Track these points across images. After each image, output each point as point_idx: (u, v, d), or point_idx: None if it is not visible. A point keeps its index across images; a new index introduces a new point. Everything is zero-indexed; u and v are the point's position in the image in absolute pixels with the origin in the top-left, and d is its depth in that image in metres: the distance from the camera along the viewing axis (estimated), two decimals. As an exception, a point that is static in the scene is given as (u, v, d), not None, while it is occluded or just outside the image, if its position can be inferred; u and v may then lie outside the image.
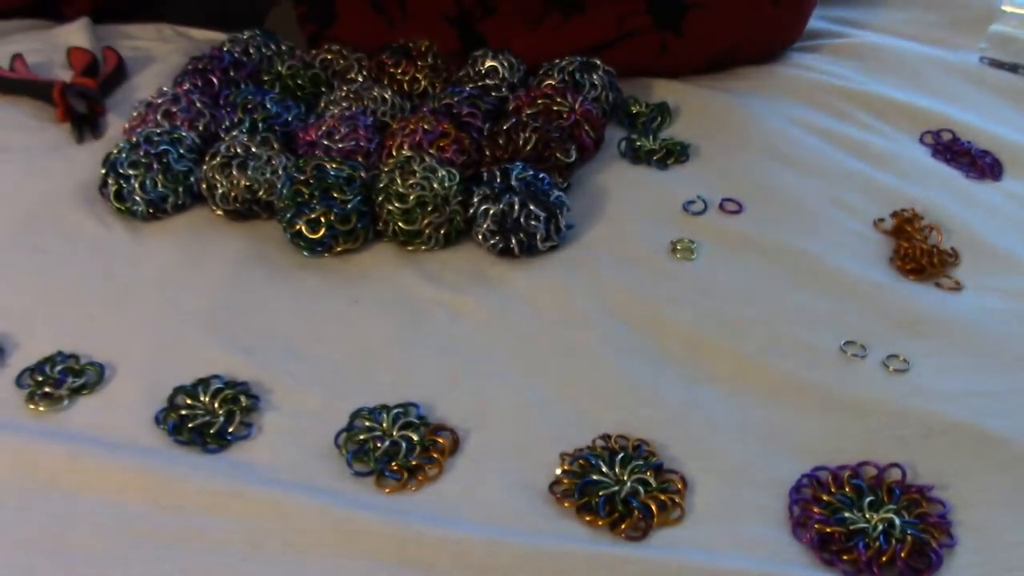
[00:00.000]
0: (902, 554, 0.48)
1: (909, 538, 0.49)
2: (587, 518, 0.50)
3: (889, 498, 0.51)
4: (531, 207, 0.63)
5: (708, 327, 0.60)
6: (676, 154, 0.73)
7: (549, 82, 0.75)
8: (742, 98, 0.78)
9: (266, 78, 0.77)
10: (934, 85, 0.81)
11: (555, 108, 0.72)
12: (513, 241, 0.63)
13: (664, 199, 0.69)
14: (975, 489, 0.52)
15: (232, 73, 0.76)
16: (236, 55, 0.78)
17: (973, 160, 0.73)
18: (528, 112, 0.71)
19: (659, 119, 0.77)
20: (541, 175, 0.65)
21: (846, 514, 0.50)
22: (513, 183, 0.64)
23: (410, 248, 0.65)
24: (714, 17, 0.79)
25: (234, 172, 0.66)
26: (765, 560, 0.49)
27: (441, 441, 0.53)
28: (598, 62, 0.78)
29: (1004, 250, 0.66)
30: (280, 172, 0.66)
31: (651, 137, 0.74)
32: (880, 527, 0.50)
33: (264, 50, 0.80)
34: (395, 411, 0.54)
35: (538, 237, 0.64)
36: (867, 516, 0.50)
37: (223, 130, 0.70)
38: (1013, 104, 0.78)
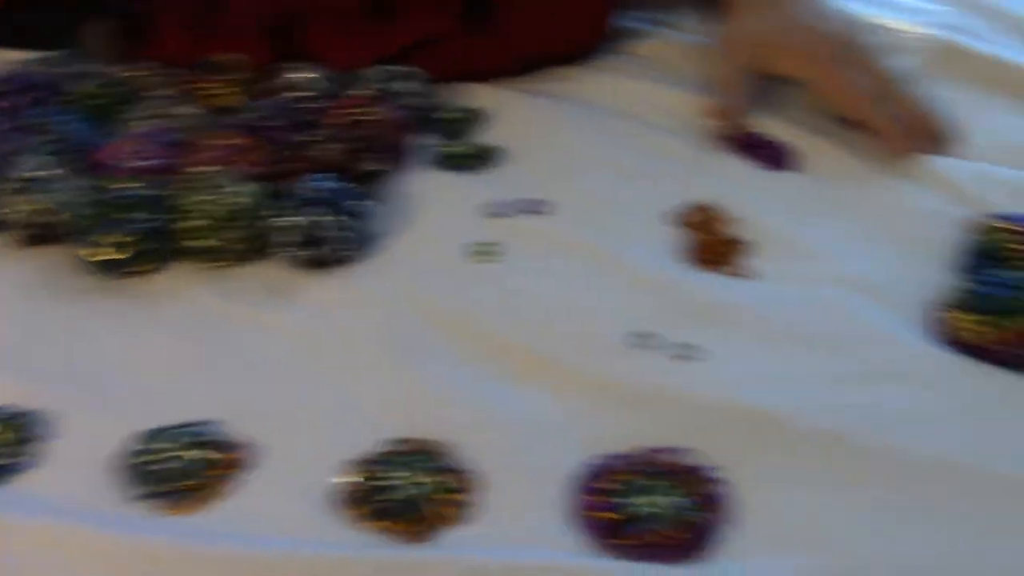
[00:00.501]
0: (676, 535, 0.51)
1: (685, 519, 0.52)
2: (376, 524, 0.51)
3: (672, 482, 0.54)
4: (336, 217, 0.64)
5: (508, 327, 0.62)
6: (486, 158, 0.75)
7: (358, 92, 0.76)
8: (550, 101, 0.81)
9: (69, 98, 0.76)
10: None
11: (363, 117, 0.73)
12: (318, 253, 0.64)
13: (472, 204, 0.71)
14: (758, 469, 0.55)
15: (31, 94, 0.74)
16: (36, 75, 0.77)
17: (770, 152, 0.76)
18: (335, 122, 0.72)
19: (471, 124, 0.79)
20: (346, 185, 0.66)
21: (628, 500, 0.53)
22: (317, 194, 0.65)
23: (211, 266, 0.65)
24: (522, 16, 0.81)
25: (27, 196, 0.65)
26: (548, 552, 0.51)
27: (234, 458, 0.54)
28: (409, 69, 0.79)
29: (790, 235, 0.69)
30: (76, 194, 0.65)
31: (460, 142, 0.76)
32: (660, 510, 0.52)
33: (69, 69, 0.79)
34: (187, 430, 0.55)
35: (343, 248, 0.65)
36: (649, 501, 0.53)
37: (17, 154, 0.69)
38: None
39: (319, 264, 0.64)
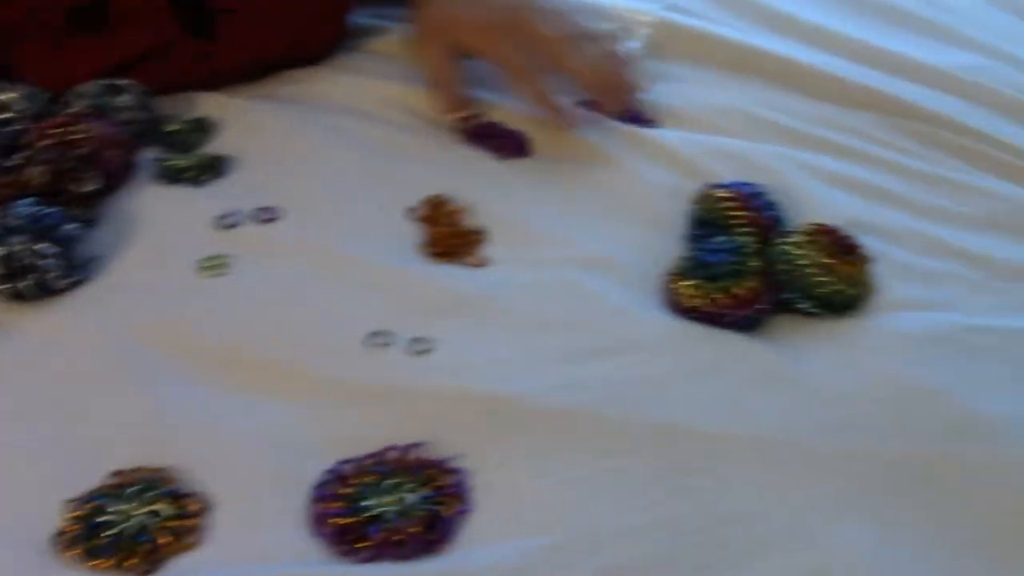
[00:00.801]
0: (412, 530, 0.51)
1: (421, 513, 0.52)
2: (98, 563, 0.49)
3: (408, 478, 0.54)
4: (38, 246, 0.61)
5: (239, 340, 0.60)
6: (212, 169, 0.73)
7: (68, 110, 0.72)
8: (283, 106, 0.79)
9: None
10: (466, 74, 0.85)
11: (72, 137, 0.69)
12: (23, 284, 0.61)
13: (198, 217, 0.69)
14: (493, 452, 0.56)
15: None
16: None
17: (502, 140, 0.77)
18: (41, 144, 0.68)
19: (197, 134, 0.76)
20: (51, 209, 0.63)
21: (364, 502, 0.52)
22: (17, 222, 0.61)
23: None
24: (245, 20, 0.79)
25: None
26: (286, 564, 0.50)
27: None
28: (124, 82, 0.76)
29: (525, 221, 0.71)
30: None
31: (186, 154, 0.73)
32: (396, 508, 0.52)
33: None
34: None
35: (52, 276, 0.61)
36: (388, 500, 0.53)
37: None
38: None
39: (23, 297, 0.61)
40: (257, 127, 0.77)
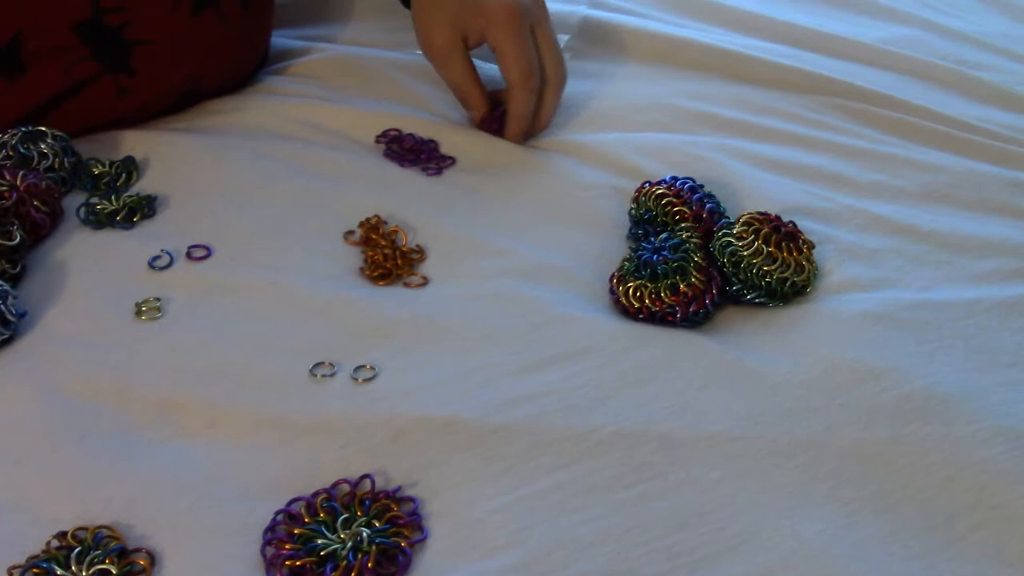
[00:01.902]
0: (368, 564, 0.50)
1: (375, 547, 0.50)
2: (44, 630, 0.47)
3: (361, 511, 0.52)
4: (-36, 305, 0.59)
5: (177, 383, 0.59)
6: (141, 210, 0.71)
7: (-14, 162, 0.71)
8: (210, 137, 0.78)
9: None
10: (404, 92, 0.84)
11: (-8, 190, 0.67)
12: (-50, 346, 0.59)
13: (129, 260, 0.67)
14: (442, 476, 0.54)
15: None
16: None
17: (427, 155, 0.76)
18: (-40, 200, 0.66)
19: (125, 175, 0.75)
20: (-27, 268, 0.61)
21: (318, 541, 0.51)
22: (-62, 284, 0.59)
23: None
24: (162, 50, 0.78)
25: None
26: (239, 613, 0.48)
27: None
28: (44, 129, 0.74)
29: (462, 234, 0.70)
30: None
31: (113, 197, 0.72)
32: (350, 544, 0.51)
33: None
34: None
35: (-23, 336, 0.59)
36: (340, 537, 0.51)
37: None
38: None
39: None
40: (184, 162, 0.76)
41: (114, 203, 0.71)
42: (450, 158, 0.76)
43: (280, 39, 0.91)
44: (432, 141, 0.78)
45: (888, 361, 0.60)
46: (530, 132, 0.79)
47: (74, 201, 0.72)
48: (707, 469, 0.55)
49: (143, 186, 0.74)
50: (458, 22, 0.77)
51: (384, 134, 0.78)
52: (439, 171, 0.75)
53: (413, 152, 0.77)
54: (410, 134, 0.79)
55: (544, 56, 0.78)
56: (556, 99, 0.79)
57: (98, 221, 0.70)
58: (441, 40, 0.78)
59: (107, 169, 0.75)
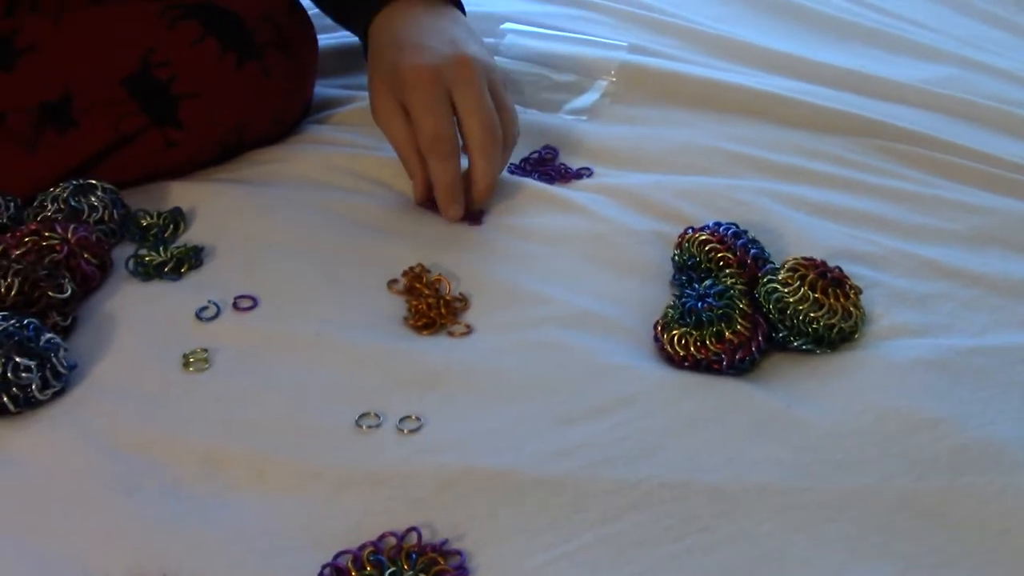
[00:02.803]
0: (415, 621, 0.50)
1: (423, 601, 0.50)
2: None
3: (408, 565, 0.52)
4: (17, 359, 0.60)
5: (224, 436, 0.59)
6: (189, 261, 0.72)
7: (36, 216, 0.72)
8: (254, 187, 0.79)
9: None
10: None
11: (45, 244, 0.69)
12: (3, 399, 0.60)
13: (177, 312, 0.68)
14: (489, 529, 0.54)
15: None
16: None
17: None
18: (14, 254, 0.68)
19: (172, 227, 0.76)
20: (26, 320, 0.62)
21: (367, 595, 0.51)
22: (-14, 338, 0.60)
23: None
24: (208, 103, 0.79)
25: None
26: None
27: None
28: (95, 182, 0.75)
29: (505, 282, 0.70)
30: None
31: (161, 248, 0.73)
32: (397, 598, 0.51)
33: None
34: None
35: (33, 388, 0.60)
36: (389, 590, 0.51)
37: None
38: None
39: (9, 410, 0.59)
40: (230, 212, 0.77)
41: (162, 254, 0.72)
42: (481, 211, 0.77)
43: (323, 88, 0.92)
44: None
45: (942, 409, 0.59)
46: (471, 204, 0.75)
47: (123, 253, 0.73)
48: (756, 522, 0.55)
49: (190, 237, 0.75)
50: (392, 85, 0.75)
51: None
52: (479, 221, 0.76)
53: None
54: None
55: (463, 118, 0.73)
56: (486, 163, 0.73)
57: (146, 273, 0.71)
58: (379, 104, 0.76)
59: (155, 220, 0.76)
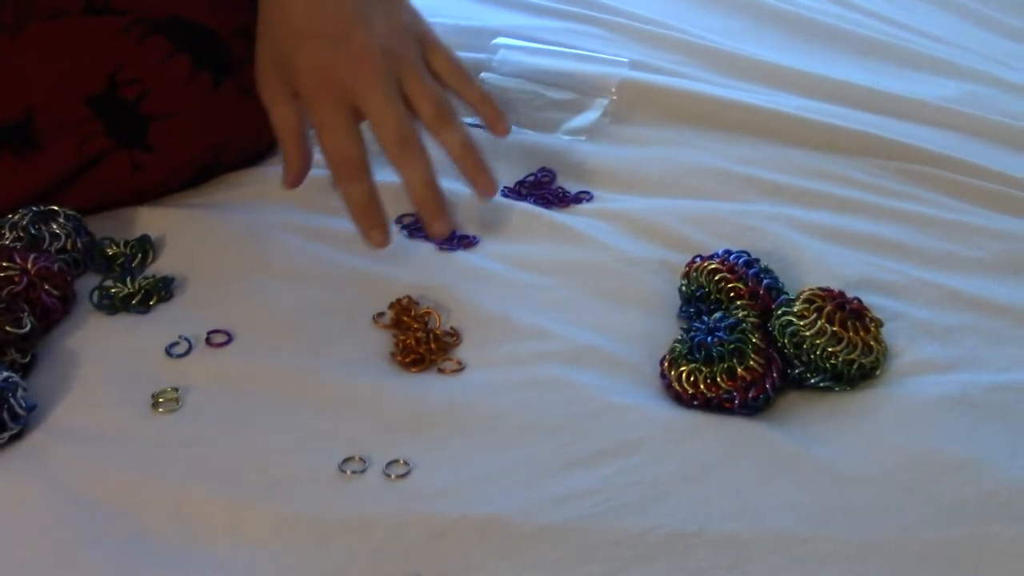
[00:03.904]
0: None
1: (412, 663, 0.50)
2: None
3: (397, 622, 0.52)
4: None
5: (196, 483, 0.59)
6: (158, 292, 0.72)
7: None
8: (230, 212, 0.79)
9: None
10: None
11: (3, 274, 0.68)
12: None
13: (145, 348, 0.68)
14: (488, 582, 0.54)
15: None
16: None
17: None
18: (-31, 286, 0.67)
19: (140, 256, 0.75)
20: (-25, 360, 0.62)
21: (349, 657, 0.50)
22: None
23: None
24: (181, 123, 0.79)
25: None
26: None
27: None
28: (57, 208, 0.75)
29: (500, 315, 0.70)
30: None
31: (128, 279, 0.72)
32: (385, 660, 0.50)
33: None
34: None
35: (-19, 434, 0.60)
36: (374, 651, 0.50)
37: None
38: (498, 162, 0.83)
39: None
40: (202, 240, 0.77)
41: (129, 286, 0.72)
42: (473, 237, 0.77)
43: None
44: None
45: (969, 451, 0.59)
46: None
47: (87, 284, 0.73)
48: (772, 573, 0.54)
49: (159, 267, 0.75)
50: (284, 76, 0.72)
51: (400, 218, 0.78)
52: (454, 247, 0.76)
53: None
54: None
55: (372, 118, 0.70)
56: (411, 170, 0.70)
57: (112, 305, 0.71)
58: (266, 86, 0.74)
59: (122, 249, 0.75)
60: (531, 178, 0.83)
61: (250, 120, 0.83)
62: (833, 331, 0.64)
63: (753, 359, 0.63)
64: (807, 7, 1.08)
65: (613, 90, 0.90)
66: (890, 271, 0.73)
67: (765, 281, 0.68)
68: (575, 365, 0.66)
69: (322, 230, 0.77)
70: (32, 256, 0.70)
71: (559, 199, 0.81)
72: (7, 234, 0.73)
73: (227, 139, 0.82)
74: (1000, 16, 1.11)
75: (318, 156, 0.78)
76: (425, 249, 0.76)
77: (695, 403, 0.63)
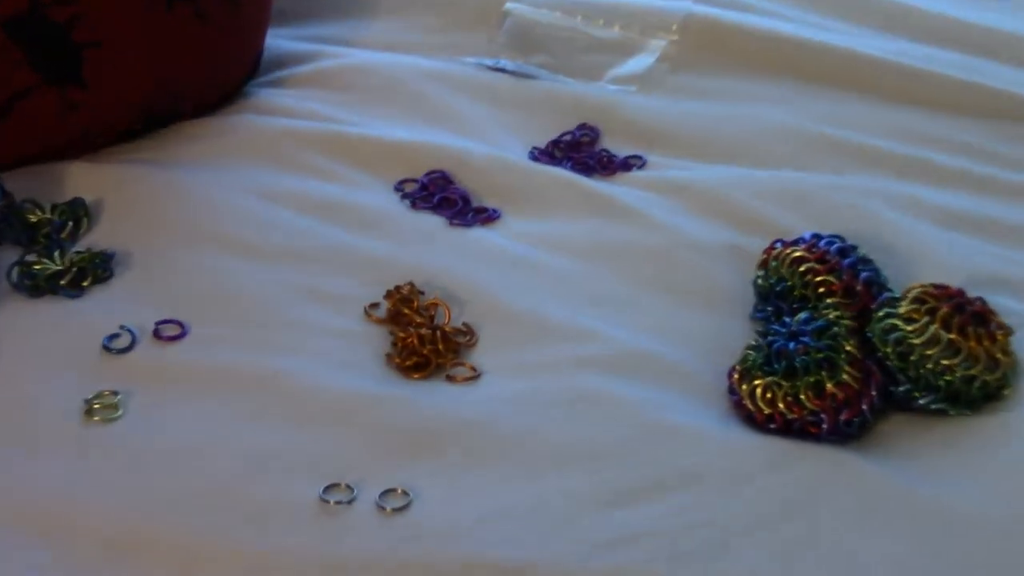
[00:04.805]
0: None
1: None
2: None
3: None
4: None
5: (140, 511, 0.59)
6: (94, 272, 0.72)
7: None
8: (185, 172, 0.79)
9: None
10: (437, 110, 0.85)
11: None
12: None
13: (78, 340, 0.68)
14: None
15: None
16: None
17: (463, 206, 0.78)
18: None
19: (72, 224, 0.76)
20: None
21: None
22: None
23: None
24: (123, 55, 0.79)
25: None
26: None
27: None
28: (-32, 162, 0.75)
29: (526, 310, 0.70)
30: None
31: (57, 254, 0.73)
32: None
33: None
34: None
35: None
36: None
37: None
38: (527, 116, 0.84)
39: None
40: (151, 205, 0.77)
41: (58, 262, 0.72)
42: (493, 210, 0.77)
43: (277, 40, 0.92)
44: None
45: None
46: None
47: (4, 259, 0.73)
48: (870, 646, 0.54)
49: (96, 239, 0.75)
50: None
51: (400, 184, 0.79)
52: (469, 222, 0.76)
53: (446, 203, 0.78)
54: (439, 174, 0.79)
55: None
56: None
57: (36, 286, 0.71)
58: None
59: (48, 215, 0.76)
60: (568, 137, 0.83)
61: (209, 54, 0.83)
62: (949, 339, 0.64)
63: (847, 372, 0.63)
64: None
65: (674, 28, 0.90)
66: (1021, 264, 0.73)
67: (863, 274, 0.68)
68: (620, 375, 0.66)
69: (300, 195, 0.78)
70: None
71: (603, 164, 0.81)
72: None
73: (180, 77, 0.83)
74: None
75: (289, 102, 0.79)
76: (432, 223, 0.76)
77: (772, 426, 0.63)
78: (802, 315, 0.66)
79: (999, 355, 0.65)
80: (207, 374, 0.66)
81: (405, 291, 0.70)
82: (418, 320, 0.69)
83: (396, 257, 0.73)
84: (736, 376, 0.65)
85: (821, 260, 0.69)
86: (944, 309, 0.65)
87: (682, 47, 0.90)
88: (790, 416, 0.63)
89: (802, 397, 0.63)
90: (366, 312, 0.70)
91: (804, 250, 0.69)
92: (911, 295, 0.66)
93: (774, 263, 0.70)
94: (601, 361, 0.67)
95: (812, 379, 0.63)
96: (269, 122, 0.84)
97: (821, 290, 0.68)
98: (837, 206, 0.76)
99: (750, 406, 0.64)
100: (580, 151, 0.82)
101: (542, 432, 0.63)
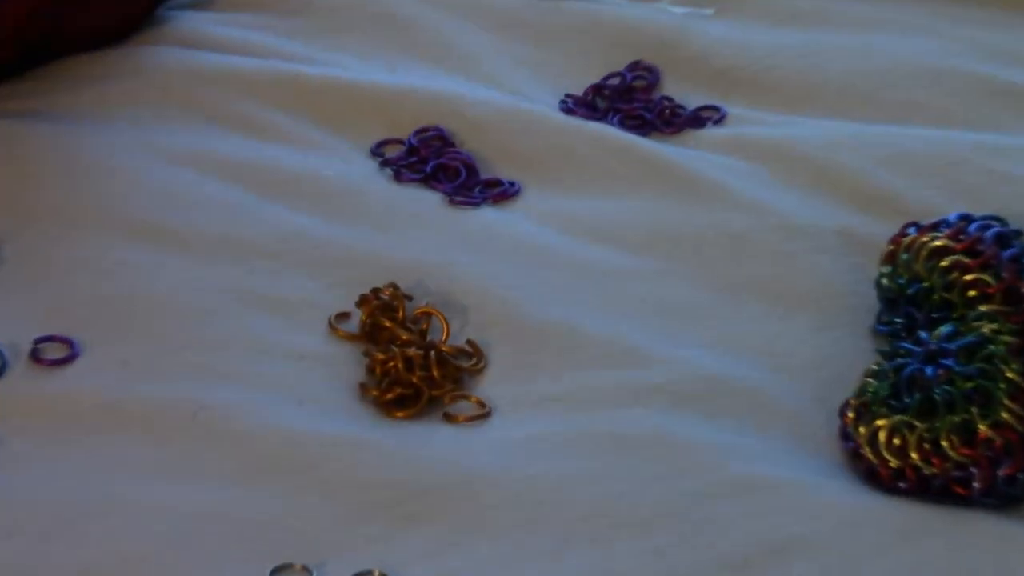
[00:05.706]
0: None
1: None
2: None
3: None
4: None
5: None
6: (-51, 266, 0.73)
7: None
8: (79, 127, 0.80)
9: None
10: (431, 42, 0.86)
11: None
12: None
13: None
14: None
15: None
16: None
17: (468, 177, 0.79)
18: None
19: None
20: None
21: None
22: None
23: None
24: None
25: None
26: None
27: None
28: None
29: (554, 321, 0.71)
30: None
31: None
32: None
33: None
34: None
35: None
36: None
37: None
38: (558, 52, 0.84)
39: None
40: (24, 177, 0.78)
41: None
42: (510, 183, 0.78)
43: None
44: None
45: None
46: None
47: None
48: None
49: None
50: None
51: (379, 147, 0.80)
52: (476, 200, 0.77)
53: (443, 174, 0.79)
54: (436, 133, 0.80)
55: None
56: None
57: None
58: None
59: None
60: (615, 81, 0.84)
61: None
62: None
63: (1007, 409, 0.64)
64: None
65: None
66: None
67: (1032, 272, 0.69)
68: (687, 410, 0.67)
69: (237, 163, 0.79)
70: None
71: (664, 119, 0.82)
72: None
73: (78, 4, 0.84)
74: None
75: (219, 30, 0.80)
76: (424, 201, 0.78)
77: (902, 484, 0.64)
78: (944, 328, 0.67)
79: None
80: (105, 411, 0.67)
81: (386, 296, 0.71)
82: (404, 336, 0.69)
83: (373, 248, 0.74)
84: (851, 414, 0.66)
85: (971, 252, 0.69)
86: None
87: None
88: (927, 471, 0.64)
89: (944, 444, 0.64)
90: (332, 325, 0.71)
91: (947, 238, 0.70)
92: (1103, 305, 0.67)
93: (905, 256, 0.71)
94: (659, 391, 0.68)
95: (958, 419, 0.64)
96: (192, 58, 0.85)
97: (972, 293, 0.69)
98: (992, 176, 0.77)
99: (871, 456, 0.64)
100: (632, 100, 0.83)
101: (574, 488, 0.64)
